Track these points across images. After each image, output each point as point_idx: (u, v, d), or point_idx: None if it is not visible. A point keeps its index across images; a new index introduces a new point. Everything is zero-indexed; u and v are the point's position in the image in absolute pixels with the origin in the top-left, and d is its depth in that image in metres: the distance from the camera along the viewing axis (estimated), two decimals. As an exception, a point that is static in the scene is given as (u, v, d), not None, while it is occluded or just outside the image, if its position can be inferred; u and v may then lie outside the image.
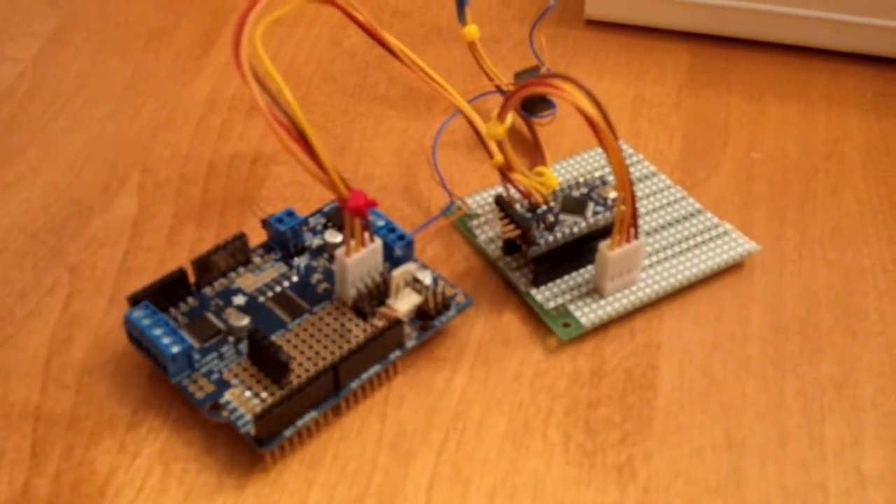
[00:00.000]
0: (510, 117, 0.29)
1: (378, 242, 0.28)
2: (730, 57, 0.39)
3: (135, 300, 0.27)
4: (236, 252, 0.29)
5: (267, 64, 0.23)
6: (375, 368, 0.27)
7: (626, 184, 0.26)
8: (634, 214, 0.28)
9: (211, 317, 0.28)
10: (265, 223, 0.30)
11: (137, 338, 0.27)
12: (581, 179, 0.31)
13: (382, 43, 0.29)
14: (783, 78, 0.38)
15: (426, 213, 0.33)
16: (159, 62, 0.38)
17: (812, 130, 0.36)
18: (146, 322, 0.26)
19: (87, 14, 0.41)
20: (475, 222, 0.32)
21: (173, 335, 0.26)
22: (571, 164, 0.34)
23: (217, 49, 0.39)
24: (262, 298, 0.28)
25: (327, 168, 0.25)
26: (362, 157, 0.35)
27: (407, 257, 0.29)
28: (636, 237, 0.28)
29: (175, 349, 0.26)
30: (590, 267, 0.30)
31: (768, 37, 0.39)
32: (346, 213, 0.26)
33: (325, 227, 0.30)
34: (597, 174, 0.32)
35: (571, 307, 0.29)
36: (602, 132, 0.25)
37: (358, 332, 0.28)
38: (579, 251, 0.30)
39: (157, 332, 0.26)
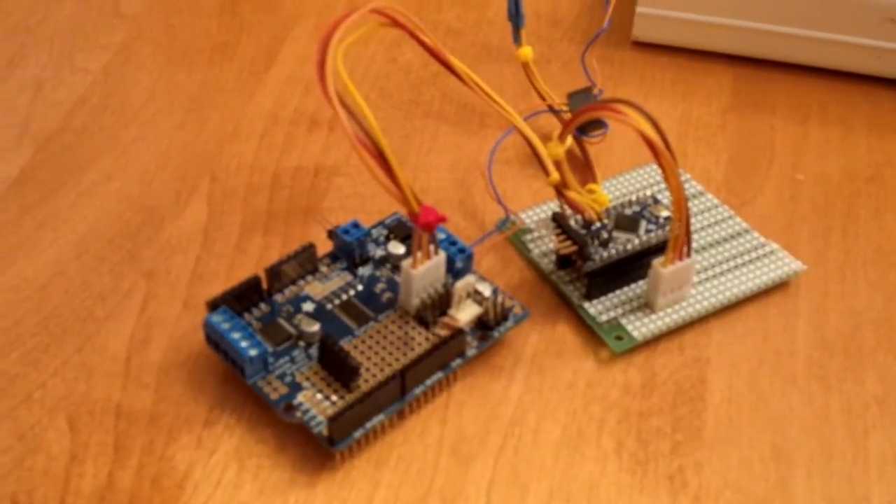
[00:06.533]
0: (569, 137, 0.30)
1: (442, 255, 0.29)
2: (773, 80, 0.40)
3: (213, 305, 0.28)
4: (305, 261, 0.30)
5: (350, 87, 0.25)
6: (438, 375, 0.28)
7: (682, 205, 0.28)
8: (688, 234, 0.29)
9: (283, 322, 0.29)
10: (332, 234, 0.31)
11: (216, 340, 0.28)
12: (633, 198, 0.32)
13: (447, 65, 0.30)
14: (825, 102, 0.39)
15: (480, 227, 0.34)
16: (223, 76, 0.40)
17: (854, 154, 0.37)
18: (225, 326, 0.28)
19: (152, 28, 0.42)
20: (529, 237, 0.33)
21: (250, 339, 0.28)
22: (620, 181, 0.35)
23: (278, 64, 0.41)
24: (329, 306, 0.30)
25: (402, 185, 0.26)
26: (418, 172, 0.36)
27: (466, 269, 0.31)
28: (689, 255, 0.30)
29: (253, 352, 0.27)
30: (641, 282, 0.31)
31: (811, 61, 0.40)
32: (416, 228, 0.28)
33: (388, 238, 0.32)
34: (647, 192, 0.33)
35: (623, 321, 0.30)
36: (663, 156, 0.27)
37: (421, 339, 0.29)
38: (631, 267, 0.31)
39: (236, 335, 0.27)
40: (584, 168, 0.36)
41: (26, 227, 0.34)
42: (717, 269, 0.32)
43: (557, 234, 0.31)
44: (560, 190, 0.31)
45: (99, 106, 0.39)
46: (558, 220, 0.31)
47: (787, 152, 0.37)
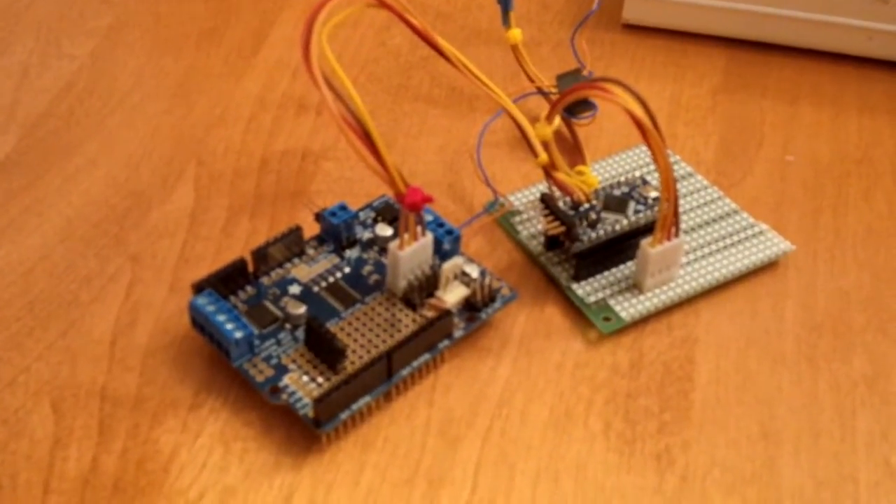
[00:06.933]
0: (557, 118, 0.30)
1: (429, 236, 0.29)
2: (764, 62, 0.40)
3: (199, 287, 0.28)
4: (292, 244, 0.30)
5: (336, 66, 0.25)
6: (425, 357, 0.28)
7: (671, 184, 0.28)
8: (676, 214, 0.29)
9: (269, 305, 0.29)
10: (319, 216, 0.31)
11: (201, 323, 0.28)
12: (622, 179, 0.32)
13: (435, 47, 0.30)
14: (816, 83, 0.39)
15: (469, 209, 0.34)
16: (211, 61, 0.40)
17: (844, 135, 0.37)
18: (210, 308, 0.27)
19: (139, 12, 0.42)
20: (517, 218, 0.33)
21: (236, 321, 0.27)
22: (609, 163, 0.35)
23: (266, 48, 0.40)
24: (316, 288, 0.30)
25: (388, 165, 0.26)
26: (407, 155, 0.36)
27: (454, 251, 0.31)
28: (677, 235, 0.29)
29: (238, 334, 0.27)
30: (629, 263, 0.31)
31: (802, 43, 0.40)
32: (403, 208, 0.28)
33: (375, 220, 0.32)
34: (636, 174, 0.33)
35: (612, 302, 0.30)
36: (650, 135, 0.26)
37: (407, 321, 0.29)
38: (620, 248, 0.31)
39: (221, 318, 0.27)
40: (573, 150, 0.35)
41: (12, 211, 0.34)
42: (706, 250, 0.32)
43: (546, 216, 0.31)
44: (548, 171, 0.31)
45: (85, 91, 0.38)
46: (546, 202, 0.31)
47: (777, 133, 0.37)
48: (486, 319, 0.30)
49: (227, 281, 0.29)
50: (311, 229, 0.31)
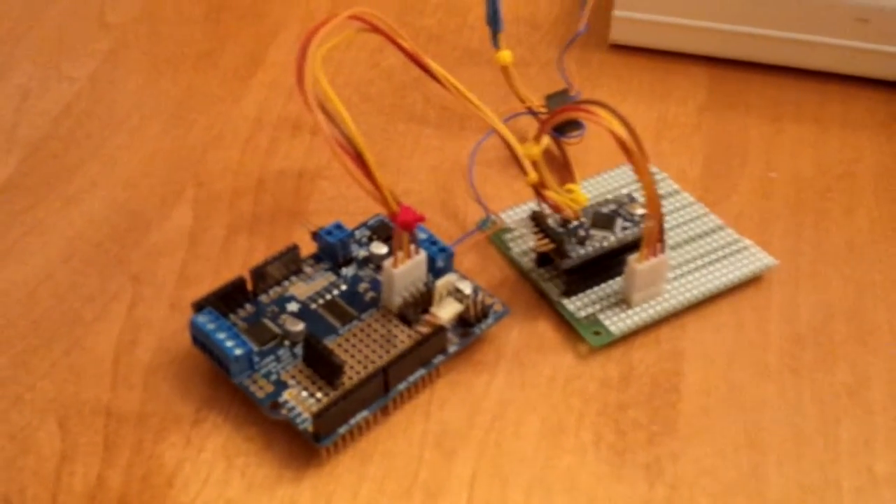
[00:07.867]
0: (545, 138, 0.31)
1: (423, 254, 0.30)
2: (748, 80, 0.41)
3: (199, 306, 0.29)
4: (289, 262, 0.31)
5: (329, 91, 0.25)
6: (420, 372, 0.29)
7: (655, 202, 0.28)
8: (661, 231, 0.30)
9: (268, 322, 0.30)
10: (315, 235, 0.32)
11: (202, 341, 0.29)
12: (610, 196, 0.33)
13: (426, 69, 0.31)
14: (799, 101, 0.40)
15: (462, 227, 0.35)
16: (208, 82, 0.41)
17: (826, 151, 0.38)
18: (211, 326, 0.28)
19: (138, 36, 0.43)
20: (509, 235, 0.34)
21: (236, 339, 0.28)
22: (598, 181, 0.36)
23: (262, 70, 0.41)
24: (313, 306, 0.30)
25: (381, 186, 0.27)
26: (401, 175, 0.37)
27: (447, 268, 0.31)
28: (662, 252, 0.30)
29: (238, 352, 0.28)
30: (618, 279, 0.32)
31: (785, 61, 0.41)
32: (396, 228, 0.28)
33: (371, 239, 0.33)
34: (623, 191, 0.34)
35: (601, 316, 0.31)
36: (634, 155, 0.27)
37: (403, 337, 0.30)
38: (608, 264, 0.32)
39: (221, 335, 0.28)
40: (562, 168, 0.36)
41: (15, 232, 0.34)
42: (692, 265, 0.33)
43: (536, 233, 0.32)
44: (538, 189, 0.32)
45: (85, 113, 0.39)
46: (537, 219, 0.32)
47: (760, 151, 0.38)
48: (479, 334, 0.30)
49: (226, 299, 0.30)
50: (307, 248, 0.32)
